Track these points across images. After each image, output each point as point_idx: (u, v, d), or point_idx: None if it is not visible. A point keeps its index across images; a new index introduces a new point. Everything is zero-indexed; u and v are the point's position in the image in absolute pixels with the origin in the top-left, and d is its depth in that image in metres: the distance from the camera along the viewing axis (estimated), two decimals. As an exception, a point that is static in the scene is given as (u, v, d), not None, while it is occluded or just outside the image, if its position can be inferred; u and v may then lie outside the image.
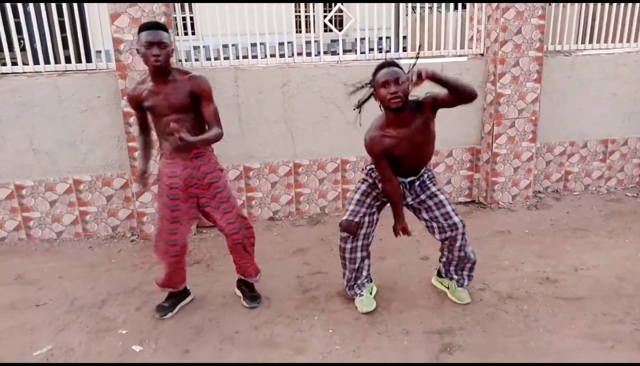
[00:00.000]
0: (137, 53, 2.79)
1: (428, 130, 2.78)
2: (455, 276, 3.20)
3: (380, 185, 2.94)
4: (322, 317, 3.04)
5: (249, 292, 3.23)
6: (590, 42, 5.11)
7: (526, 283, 3.38)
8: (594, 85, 4.93)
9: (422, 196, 2.99)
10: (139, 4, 3.84)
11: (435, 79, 2.51)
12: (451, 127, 4.73)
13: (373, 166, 2.96)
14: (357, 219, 3.00)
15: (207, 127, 2.84)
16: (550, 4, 4.82)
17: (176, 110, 2.77)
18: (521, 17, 4.47)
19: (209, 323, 3.02)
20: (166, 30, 2.72)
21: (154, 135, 2.99)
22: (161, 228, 2.94)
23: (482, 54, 4.77)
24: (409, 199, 3.01)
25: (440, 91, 2.66)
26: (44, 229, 4.26)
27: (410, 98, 2.71)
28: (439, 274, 3.30)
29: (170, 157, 2.89)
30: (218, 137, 2.78)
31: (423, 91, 2.70)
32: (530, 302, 3.15)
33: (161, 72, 2.73)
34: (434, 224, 3.01)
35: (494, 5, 4.50)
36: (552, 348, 2.71)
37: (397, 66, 2.65)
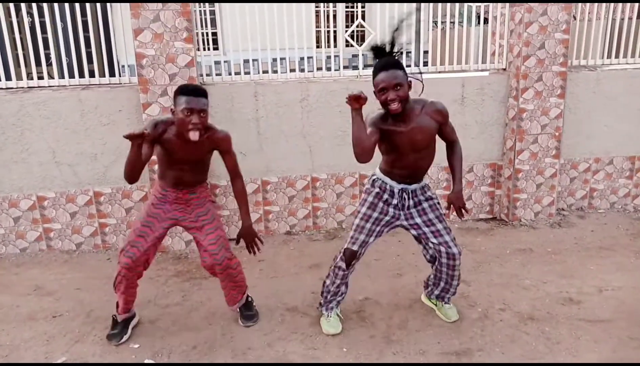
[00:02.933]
0: (170, 112, 2.71)
1: (429, 134, 2.71)
2: (439, 294, 3.14)
3: (384, 194, 2.84)
4: (336, 335, 2.98)
5: (246, 311, 3.16)
6: (617, 56, 5.00)
7: (548, 304, 3.27)
8: (620, 101, 4.81)
9: (418, 220, 2.87)
10: (161, 20, 3.91)
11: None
12: (472, 143, 4.66)
13: (377, 177, 2.88)
14: (362, 251, 2.91)
15: (230, 177, 2.94)
16: (575, 19, 4.74)
17: (191, 162, 2.83)
18: (545, 31, 4.40)
19: (221, 338, 3.00)
20: (206, 95, 2.68)
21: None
22: (127, 238, 2.94)
23: (504, 69, 4.70)
24: (401, 218, 2.88)
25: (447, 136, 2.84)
26: (64, 240, 4.32)
27: (420, 97, 2.67)
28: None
29: (163, 189, 2.93)
30: (245, 190, 2.97)
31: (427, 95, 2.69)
32: (552, 324, 3.04)
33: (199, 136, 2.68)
34: (430, 249, 3.00)
35: (517, 19, 4.44)
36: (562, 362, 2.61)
37: (397, 66, 2.57)
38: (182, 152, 2.77)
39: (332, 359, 2.77)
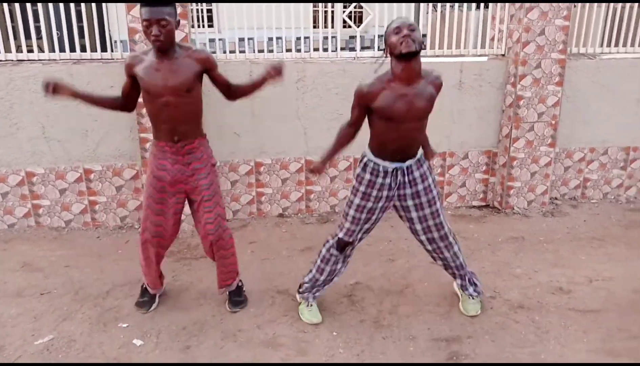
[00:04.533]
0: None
1: (430, 103, 2.63)
2: (459, 282, 3.09)
3: (377, 179, 2.73)
4: (327, 318, 2.98)
5: (234, 296, 3.10)
6: (617, 45, 4.95)
7: (539, 293, 3.28)
8: (619, 90, 4.77)
9: (413, 215, 2.82)
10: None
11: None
12: (468, 129, 4.62)
13: (368, 158, 2.76)
14: (352, 240, 2.87)
15: (228, 88, 2.87)
16: (575, 5, 4.68)
17: (173, 92, 2.62)
18: (545, 17, 4.34)
19: (211, 319, 2.98)
20: (170, 3, 2.52)
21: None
22: (146, 217, 2.88)
23: (503, 55, 4.65)
24: (394, 199, 2.80)
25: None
26: (53, 217, 4.26)
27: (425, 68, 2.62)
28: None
29: (161, 149, 2.78)
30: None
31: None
32: (542, 313, 3.05)
33: (163, 50, 2.58)
34: (423, 237, 2.93)
35: (517, 4, 4.37)
36: (563, 362, 2.62)
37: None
38: (162, 77, 2.60)
39: (321, 342, 2.77)
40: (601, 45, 5.02)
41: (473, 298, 3.04)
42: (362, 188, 2.76)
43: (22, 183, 4.15)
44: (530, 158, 4.65)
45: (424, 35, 4.75)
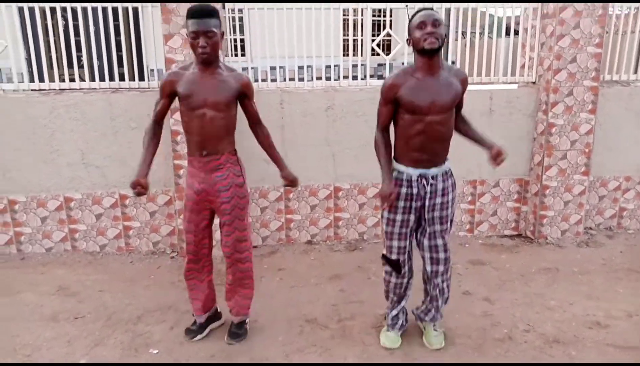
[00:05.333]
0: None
1: (455, 94, 2.62)
2: (422, 313, 3.02)
3: (402, 189, 2.70)
4: (355, 350, 2.95)
5: (236, 328, 3.05)
6: (651, 72, 4.87)
7: (574, 327, 3.18)
8: (654, 118, 4.67)
9: (426, 216, 2.78)
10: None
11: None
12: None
13: (392, 168, 2.75)
14: (403, 257, 2.84)
15: (257, 123, 2.93)
16: (607, 32, 4.63)
17: (213, 105, 2.66)
18: (577, 45, 4.30)
19: (239, 347, 2.98)
20: (216, 15, 2.56)
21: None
22: (187, 230, 2.93)
23: (533, 82, 4.62)
24: (419, 207, 2.76)
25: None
26: (89, 241, 4.38)
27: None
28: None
29: (190, 163, 2.82)
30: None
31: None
32: (579, 347, 2.95)
33: (207, 63, 2.63)
34: (426, 254, 2.86)
35: (548, 32, 4.36)
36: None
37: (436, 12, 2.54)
38: (203, 90, 2.64)
39: (350, 374, 2.74)
40: (635, 72, 4.94)
41: (436, 329, 2.98)
42: (404, 192, 2.73)
43: (60, 207, 4.29)
44: (563, 187, 4.56)
45: (453, 63, 4.77)
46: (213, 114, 2.67)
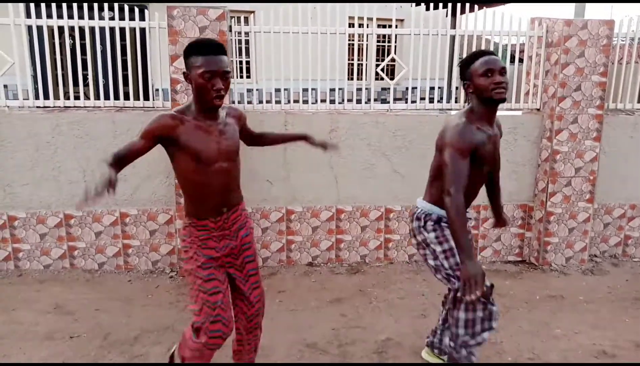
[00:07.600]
0: (184, 78, 2.17)
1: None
2: (446, 346, 2.80)
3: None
4: (356, 375, 2.88)
5: None
6: (655, 101, 4.87)
7: (580, 356, 3.11)
8: (659, 146, 4.66)
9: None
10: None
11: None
12: (503, 183, 4.51)
13: (437, 214, 2.53)
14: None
15: (251, 137, 2.65)
16: (613, 62, 4.65)
17: (227, 156, 2.24)
18: (581, 73, 4.32)
19: (238, 371, 2.91)
20: (226, 52, 2.17)
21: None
22: (199, 300, 2.28)
23: (538, 109, 4.62)
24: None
25: None
26: (87, 259, 4.33)
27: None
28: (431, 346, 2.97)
29: (203, 227, 2.30)
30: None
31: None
32: (585, 379, 2.88)
33: (218, 108, 2.20)
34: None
35: (553, 60, 4.38)
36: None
37: (495, 54, 2.37)
38: (215, 141, 2.20)
39: (350, 401, 2.67)
40: (639, 101, 4.94)
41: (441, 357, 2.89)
42: (446, 233, 2.53)
43: (60, 224, 4.25)
44: (567, 214, 4.52)
45: (457, 88, 4.79)
46: (228, 165, 2.27)
